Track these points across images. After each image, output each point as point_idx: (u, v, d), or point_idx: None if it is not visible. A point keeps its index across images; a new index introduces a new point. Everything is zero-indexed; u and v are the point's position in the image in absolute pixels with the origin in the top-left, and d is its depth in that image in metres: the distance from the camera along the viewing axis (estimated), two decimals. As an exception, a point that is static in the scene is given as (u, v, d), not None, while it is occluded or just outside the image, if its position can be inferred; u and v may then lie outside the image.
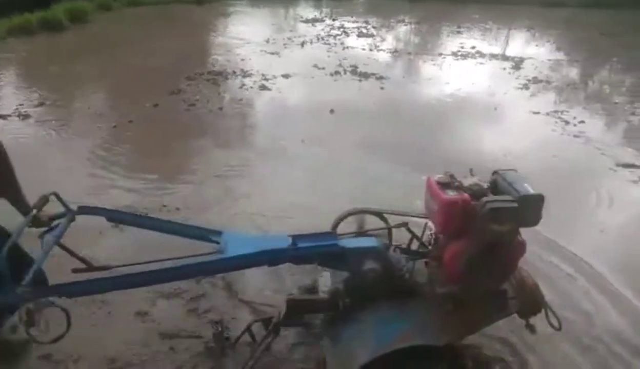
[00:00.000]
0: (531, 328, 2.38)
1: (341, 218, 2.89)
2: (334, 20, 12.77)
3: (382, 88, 7.46)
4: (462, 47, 9.98)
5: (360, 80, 7.81)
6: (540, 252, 3.45)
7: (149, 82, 7.49)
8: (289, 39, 10.57)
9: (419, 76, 8.49)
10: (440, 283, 2.24)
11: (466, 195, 2.11)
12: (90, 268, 2.41)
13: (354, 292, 2.27)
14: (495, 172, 2.26)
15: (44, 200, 2.28)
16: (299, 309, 2.32)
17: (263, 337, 2.36)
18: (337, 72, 8.12)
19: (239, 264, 2.31)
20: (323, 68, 8.30)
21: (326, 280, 2.43)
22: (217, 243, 2.41)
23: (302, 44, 10.11)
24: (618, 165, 5.08)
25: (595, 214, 4.20)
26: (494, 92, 7.32)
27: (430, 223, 2.43)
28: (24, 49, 9.40)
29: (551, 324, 2.34)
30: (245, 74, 7.90)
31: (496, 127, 6.07)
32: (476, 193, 2.14)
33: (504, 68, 8.62)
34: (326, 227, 2.77)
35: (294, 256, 2.30)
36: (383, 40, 10.81)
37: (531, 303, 2.30)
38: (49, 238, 2.22)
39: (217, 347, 2.50)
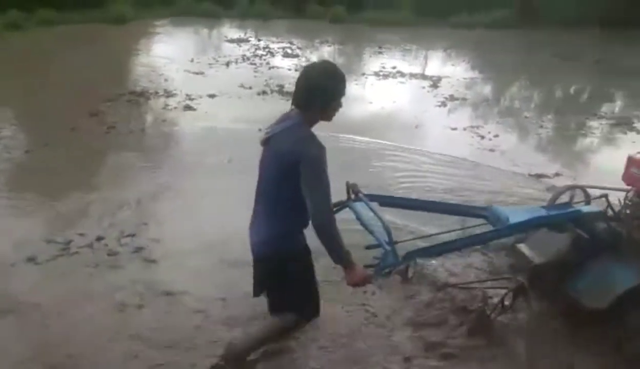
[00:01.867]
0: None
1: (559, 194, 3.40)
2: (259, 40, 12.83)
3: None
4: (383, 67, 10.35)
5: (287, 100, 7.83)
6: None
7: (66, 104, 7.15)
8: (214, 58, 10.50)
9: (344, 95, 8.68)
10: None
11: None
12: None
13: (585, 249, 2.83)
14: None
15: None
16: (542, 273, 2.96)
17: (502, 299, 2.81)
18: (264, 92, 8.15)
19: (522, 229, 2.91)
20: (250, 88, 8.30)
21: (531, 249, 3.09)
22: (486, 217, 2.92)
23: (228, 64, 10.07)
24: (530, 175, 5.42)
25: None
26: (415, 110, 7.63)
27: (632, 192, 3.15)
28: None
29: None
30: (169, 94, 7.74)
31: (417, 143, 6.29)
32: None
33: (424, 87, 9.02)
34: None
35: (557, 222, 2.88)
36: (308, 60, 10.98)
37: None
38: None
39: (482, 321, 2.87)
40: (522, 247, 3.16)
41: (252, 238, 2.43)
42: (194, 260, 3.55)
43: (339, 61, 11.47)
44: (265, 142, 2.37)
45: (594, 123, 7.42)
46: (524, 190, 5.03)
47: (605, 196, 3.19)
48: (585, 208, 3.02)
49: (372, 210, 2.47)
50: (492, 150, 6.12)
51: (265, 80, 8.81)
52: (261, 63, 10.27)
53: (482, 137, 6.53)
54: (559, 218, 2.88)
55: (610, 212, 3.08)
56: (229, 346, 2.48)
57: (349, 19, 15.92)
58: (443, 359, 2.72)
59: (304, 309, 2.51)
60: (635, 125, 7.30)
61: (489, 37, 13.64)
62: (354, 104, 7.96)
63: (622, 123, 7.34)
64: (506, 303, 2.83)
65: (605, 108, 8.28)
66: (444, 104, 8.00)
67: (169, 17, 15.01)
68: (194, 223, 4.07)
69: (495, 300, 2.90)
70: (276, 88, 8.36)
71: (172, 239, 3.83)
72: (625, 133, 7.03)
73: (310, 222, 2.20)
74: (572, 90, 9.86)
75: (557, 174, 5.45)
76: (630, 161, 3.12)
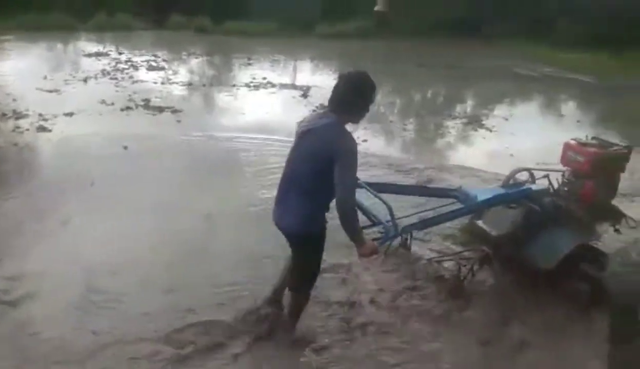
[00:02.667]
0: (616, 230, 3.89)
1: (510, 177, 3.96)
2: (120, 53, 12.14)
3: (178, 121, 7.31)
4: (254, 78, 10.34)
5: (154, 115, 7.53)
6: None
7: None
8: (71, 74, 9.72)
9: (215, 107, 8.54)
10: (578, 209, 3.58)
11: (604, 148, 3.74)
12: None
13: (535, 220, 3.46)
14: (594, 137, 3.96)
15: None
16: (501, 243, 3.55)
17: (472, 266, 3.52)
18: (128, 107, 7.70)
19: (489, 204, 3.48)
20: (112, 104, 7.79)
21: (489, 224, 3.66)
22: (457, 196, 3.37)
23: (86, 80, 9.37)
24: (401, 172, 5.76)
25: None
26: (288, 120, 7.71)
27: (568, 172, 3.87)
28: None
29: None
30: (19, 116, 6.99)
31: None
32: (605, 147, 3.78)
33: (294, 97, 9.16)
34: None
35: (515, 199, 3.52)
36: (175, 73, 10.64)
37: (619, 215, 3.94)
38: None
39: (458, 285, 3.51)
40: (480, 223, 3.73)
41: (278, 216, 2.80)
42: (55, 296, 3.23)
43: (208, 73, 11.27)
44: (303, 134, 2.71)
45: (450, 123, 8.10)
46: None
47: (547, 176, 3.85)
48: (534, 187, 3.67)
49: (372, 193, 2.95)
50: (364, 156, 6.37)
51: (129, 95, 8.34)
52: (123, 78, 9.71)
53: (353, 142, 6.80)
54: (516, 195, 3.52)
55: (552, 189, 3.79)
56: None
57: (215, 30, 15.73)
58: (431, 323, 3.23)
59: (303, 287, 2.95)
60: (484, 122, 8.09)
61: (351, 47, 14.27)
62: (226, 116, 7.87)
63: (474, 122, 8.10)
64: (475, 269, 3.51)
65: (458, 109, 9.10)
66: (315, 112, 8.18)
67: (15, 31, 13.62)
68: (56, 255, 3.70)
69: (463, 269, 3.54)
70: (142, 103, 7.95)
71: (31, 275, 3.44)
72: (477, 130, 7.76)
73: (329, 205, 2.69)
74: (429, 94, 10.68)
75: (425, 167, 5.85)
76: (566, 146, 3.83)
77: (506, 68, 12.65)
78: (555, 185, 3.89)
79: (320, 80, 10.68)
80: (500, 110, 9.07)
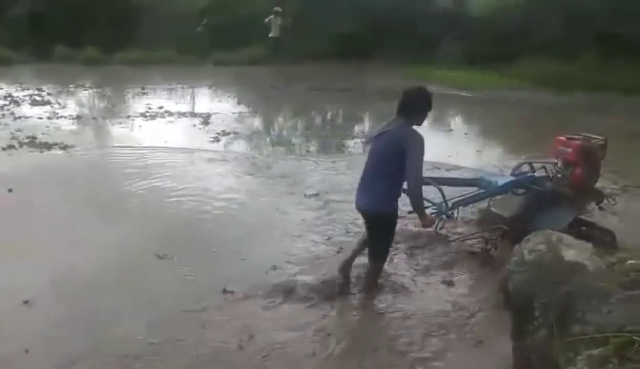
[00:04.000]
0: (600, 208, 4.76)
1: (516, 168, 4.89)
2: (-2, 89, 11.24)
3: (68, 156, 6.89)
4: (149, 108, 10.02)
5: (41, 152, 7.03)
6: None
7: None
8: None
9: (108, 140, 8.16)
10: (570, 192, 4.48)
11: (587, 141, 4.57)
12: None
13: (538, 202, 4.48)
14: (577, 133, 4.70)
15: None
16: (513, 221, 4.43)
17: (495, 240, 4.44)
18: (10, 146, 7.13)
19: (506, 188, 4.54)
20: (-8, 144, 7.17)
21: (501, 209, 4.65)
22: (480, 184, 4.60)
23: (-43, 119, 8.56)
24: (306, 196, 5.84)
25: (294, 241, 4.72)
26: (188, 148, 7.56)
27: (559, 162, 4.63)
28: None
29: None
30: None
31: (197, 178, 6.24)
32: (587, 140, 4.59)
33: (194, 125, 9.01)
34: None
35: (524, 184, 4.59)
36: (63, 106, 10.03)
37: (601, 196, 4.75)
38: None
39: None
40: (493, 209, 4.76)
41: (363, 201, 3.64)
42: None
43: (99, 105, 10.77)
44: (380, 136, 3.60)
45: (350, 143, 8.38)
46: (302, 212, 5.40)
47: (544, 166, 4.80)
48: (537, 175, 4.70)
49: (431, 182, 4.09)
50: (269, 178, 6.43)
51: (12, 133, 7.73)
52: (4, 115, 9.00)
53: (258, 166, 6.81)
54: (525, 181, 4.61)
55: (549, 176, 4.72)
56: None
57: (105, 61, 15.08)
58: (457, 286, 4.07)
59: (378, 259, 3.73)
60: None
61: (249, 73, 14.35)
62: (122, 148, 7.52)
63: (371, 141, 8.43)
64: (497, 242, 4.42)
65: (357, 128, 9.46)
66: (217, 139, 8.10)
67: None
68: None
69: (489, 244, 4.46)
70: (26, 140, 7.40)
71: None
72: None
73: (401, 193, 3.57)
74: (328, 116, 10.98)
75: (327, 191, 5.97)
76: (557, 141, 4.65)
77: (397, 89, 13.21)
78: (550, 174, 4.78)
79: (220, 107, 10.63)
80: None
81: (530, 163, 4.89)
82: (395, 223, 3.67)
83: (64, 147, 7.23)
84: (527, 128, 9.60)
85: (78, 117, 9.24)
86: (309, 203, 5.69)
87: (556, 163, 4.73)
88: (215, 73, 14.52)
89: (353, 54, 15.70)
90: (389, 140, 3.50)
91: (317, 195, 5.87)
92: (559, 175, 4.68)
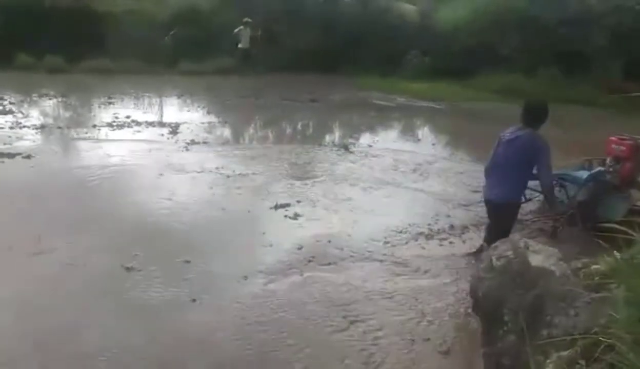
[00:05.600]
0: None
1: (581, 163, 5.97)
2: (-45, 98, 10.84)
3: (32, 167, 6.70)
4: (116, 118, 9.83)
5: (3, 162, 6.81)
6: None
7: None
8: None
9: (75, 150, 7.96)
10: (621, 184, 5.51)
11: (635, 140, 5.55)
12: None
13: (601, 191, 5.46)
14: (625, 134, 5.75)
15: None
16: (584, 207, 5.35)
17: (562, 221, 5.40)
18: (-30, 158, 6.89)
19: (588, 180, 5.45)
20: (-50, 154, 6.91)
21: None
22: (566, 179, 5.52)
23: None
24: (277, 206, 5.83)
25: (265, 252, 4.71)
26: (157, 158, 7.46)
27: (609, 158, 5.64)
28: None
29: None
30: None
31: (165, 189, 6.16)
32: (635, 139, 5.54)
33: (162, 134, 8.88)
34: None
35: (594, 177, 5.51)
36: (26, 116, 9.72)
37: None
38: None
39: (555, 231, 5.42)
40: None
41: (493, 193, 4.40)
42: None
43: (64, 115, 10.51)
44: (511, 140, 4.28)
45: (320, 150, 8.44)
46: (273, 221, 5.40)
47: (604, 161, 5.70)
48: (599, 168, 5.64)
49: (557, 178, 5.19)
50: (238, 188, 6.39)
51: (-29, 144, 7.47)
52: (-38, 124, 8.69)
53: (228, 176, 6.76)
54: (595, 174, 5.54)
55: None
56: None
57: (70, 70, 14.73)
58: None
59: (494, 240, 3.86)
60: (351, 148, 8.55)
61: (218, 83, 14.26)
62: (87, 158, 7.36)
63: (341, 148, 8.54)
64: (564, 223, 5.37)
65: (327, 137, 9.52)
66: (186, 149, 8.02)
67: None
68: None
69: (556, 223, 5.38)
70: (-12, 151, 7.16)
71: None
72: (345, 155, 8.18)
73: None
74: (299, 126, 11.01)
75: (298, 201, 5.99)
76: (609, 141, 5.66)
77: (365, 100, 13.54)
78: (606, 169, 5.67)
79: (189, 117, 10.52)
80: (364, 138, 9.66)
81: (589, 160, 5.94)
82: (517, 212, 4.56)
83: (27, 157, 7.02)
84: (491, 137, 9.84)
85: (42, 127, 8.98)
86: (280, 213, 5.69)
87: (604, 160, 5.72)
88: (183, 83, 14.37)
89: (321, 66, 15.84)
90: (522, 144, 4.22)
91: (288, 205, 5.89)
92: (610, 169, 5.61)
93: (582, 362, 2.15)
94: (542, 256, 3.04)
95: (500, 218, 4.40)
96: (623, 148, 5.56)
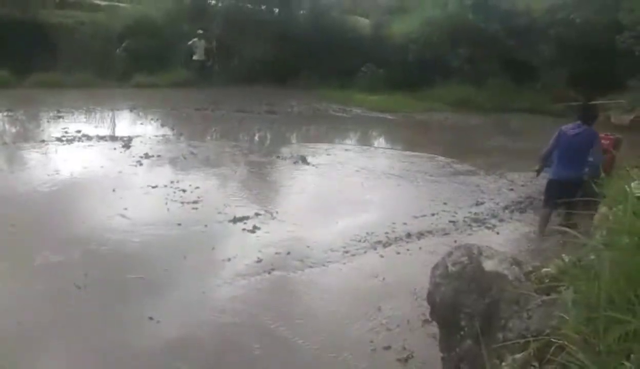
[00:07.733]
0: None
1: None
2: None
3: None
4: (66, 132, 9.50)
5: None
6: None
7: None
8: None
9: (21, 166, 7.64)
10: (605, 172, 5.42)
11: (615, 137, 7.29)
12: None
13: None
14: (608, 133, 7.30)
15: None
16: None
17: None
18: None
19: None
20: None
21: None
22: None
23: None
24: (235, 219, 5.76)
25: (223, 266, 4.63)
26: (109, 172, 7.25)
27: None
28: None
29: None
30: None
31: (118, 204, 5.97)
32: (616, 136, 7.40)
33: (115, 148, 8.63)
34: None
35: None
36: (-33, 131, 9.30)
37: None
38: None
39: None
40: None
41: (566, 174, 5.49)
42: None
43: (10, 129, 10.10)
44: (576, 134, 5.49)
45: (278, 162, 8.42)
46: (229, 237, 5.33)
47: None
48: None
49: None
50: (195, 202, 6.26)
51: None
52: None
53: (184, 190, 6.62)
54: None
55: None
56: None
57: (17, 83, 14.16)
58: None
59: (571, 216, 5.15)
60: (309, 159, 8.54)
61: (173, 96, 14.03)
62: (40, 173, 7.07)
63: (299, 160, 8.51)
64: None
65: (284, 149, 9.49)
66: (139, 163, 7.82)
67: None
68: None
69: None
70: None
71: None
72: (303, 166, 8.19)
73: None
74: (257, 137, 10.95)
75: (257, 214, 5.94)
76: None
77: (322, 111, 13.63)
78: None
79: (143, 130, 10.29)
80: (322, 149, 9.68)
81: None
82: (581, 186, 5.21)
83: (-30, 174, 6.71)
84: (448, 144, 10.14)
85: (-15, 142, 8.61)
86: (238, 226, 5.63)
87: None
88: (136, 96, 14.06)
89: (278, 78, 15.86)
90: (585, 136, 5.49)
91: (246, 218, 5.82)
92: None
93: (536, 364, 2.19)
94: (495, 261, 3.10)
95: (574, 190, 5.08)
96: (607, 142, 6.77)
